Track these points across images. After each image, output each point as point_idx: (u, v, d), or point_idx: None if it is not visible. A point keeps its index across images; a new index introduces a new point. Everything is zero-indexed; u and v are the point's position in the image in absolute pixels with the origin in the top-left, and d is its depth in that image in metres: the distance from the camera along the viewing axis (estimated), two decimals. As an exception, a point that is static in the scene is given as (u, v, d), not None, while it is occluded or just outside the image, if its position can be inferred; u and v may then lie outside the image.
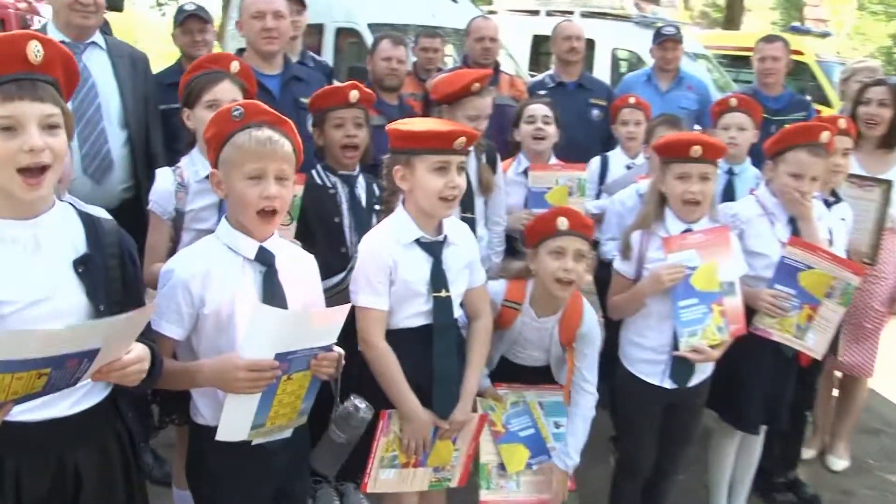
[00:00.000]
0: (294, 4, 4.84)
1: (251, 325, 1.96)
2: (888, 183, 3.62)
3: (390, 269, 2.46)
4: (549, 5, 13.06)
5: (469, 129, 2.56)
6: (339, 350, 2.14)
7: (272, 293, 2.14)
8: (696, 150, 2.78)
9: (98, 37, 3.33)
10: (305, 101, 3.50)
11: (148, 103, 3.39)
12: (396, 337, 2.51)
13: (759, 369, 3.14)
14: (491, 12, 13.94)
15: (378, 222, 2.71)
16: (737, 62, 12.38)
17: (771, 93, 5.11)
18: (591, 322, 2.89)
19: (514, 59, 10.13)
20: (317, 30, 9.36)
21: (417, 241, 2.50)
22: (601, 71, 11.05)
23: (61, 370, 1.53)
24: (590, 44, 11.21)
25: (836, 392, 4.21)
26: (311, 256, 2.41)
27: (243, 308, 2.09)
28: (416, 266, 2.50)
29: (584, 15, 11.98)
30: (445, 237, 2.55)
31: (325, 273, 2.80)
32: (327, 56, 9.26)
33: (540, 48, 11.85)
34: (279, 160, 2.11)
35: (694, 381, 2.97)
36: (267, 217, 2.11)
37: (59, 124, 1.71)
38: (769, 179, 3.19)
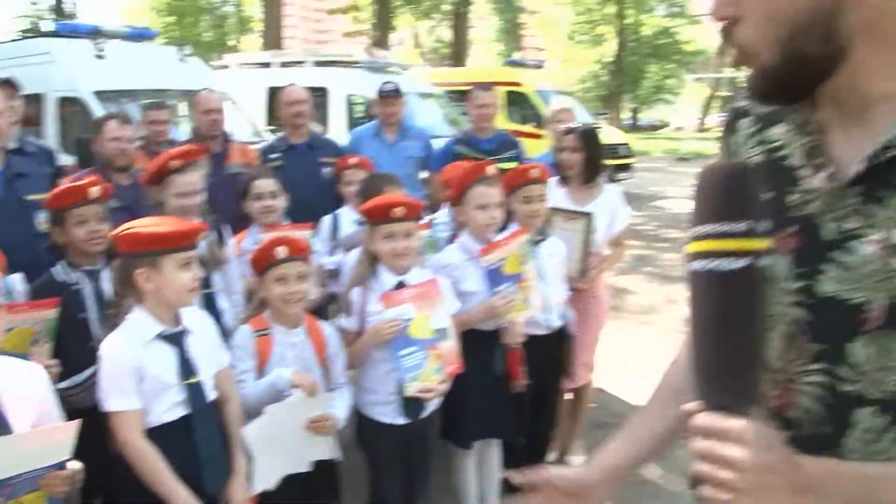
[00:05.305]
0: (7, 90, 4.61)
1: None
2: (589, 215, 4.14)
3: (136, 369, 2.51)
4: (281, 57, 13.24)
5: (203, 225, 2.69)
6: (74, 466, 2.09)
7: None
8: (398, 212, 3.11)
9: None
10: (31, 197, 3.44)
11: None
12: (156, 433, 2.55)
13: (469, 387, 3.38)
14: (222, 67, 13.75)
15: (110, 324, 2.71)
16: (465, 97, 13.22)
17: (485, 136, 5.72)
18: (328, 327, 3.16)
19: (249, 119, 9.82)
20: (34, 100, 8.52)
21: (160, 335, 2.58)
22: (337, 117, 11.37)
23: None
24: (323, 92, 11.51)
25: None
26: (37, 366, 2.34)
27: None
28: (162, 360, 2.57)
29: (317, 64, 12.29)
30: (185, 327, 2.66)
31: (74, 370, 2.84)
32: (50, 128, 8.81)
33: (277, 101, 11.90)
34: None
35: (425, 413, 3.27)
36: None
37: None
38: (462, 224, 3.57)
